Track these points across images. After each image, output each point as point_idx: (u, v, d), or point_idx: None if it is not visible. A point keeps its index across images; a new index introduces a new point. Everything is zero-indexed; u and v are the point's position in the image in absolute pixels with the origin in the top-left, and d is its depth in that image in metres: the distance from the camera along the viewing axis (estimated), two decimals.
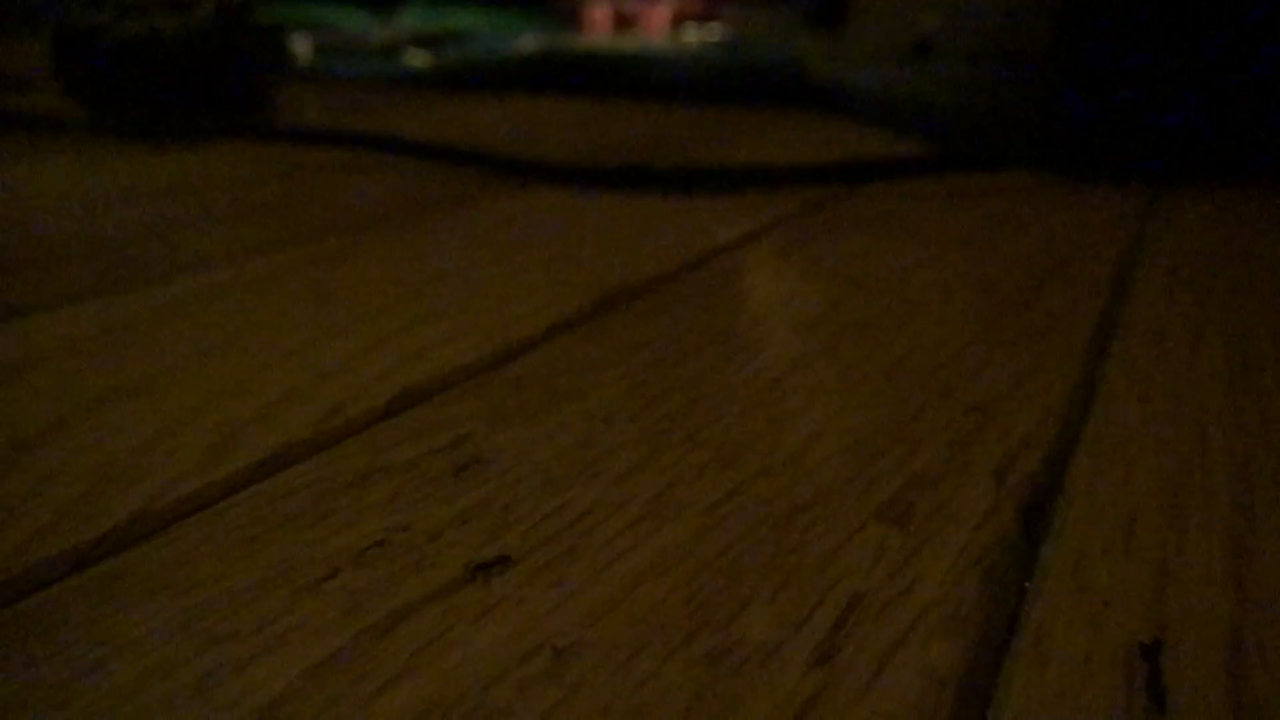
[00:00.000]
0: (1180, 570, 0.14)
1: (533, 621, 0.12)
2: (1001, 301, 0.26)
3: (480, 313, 0.24)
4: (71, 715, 0.11)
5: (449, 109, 0.67)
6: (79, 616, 0.12)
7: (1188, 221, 0.36)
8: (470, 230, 0.33)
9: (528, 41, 0.88)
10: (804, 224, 0.34)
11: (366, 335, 0.23)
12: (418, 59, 0.84)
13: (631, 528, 0.14)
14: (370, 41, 0.93)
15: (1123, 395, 0.20)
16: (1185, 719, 0.11)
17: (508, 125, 0.59)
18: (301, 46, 0.90)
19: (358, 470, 0.16)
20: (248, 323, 0.23)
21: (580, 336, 0.23)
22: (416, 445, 0.17)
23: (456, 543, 0.14)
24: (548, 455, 0.17)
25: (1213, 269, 0.29)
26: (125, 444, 0.17)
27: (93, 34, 0.54)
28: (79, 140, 0.52)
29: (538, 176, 0.41)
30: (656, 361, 0.21)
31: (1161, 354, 0.22)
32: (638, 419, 0.18)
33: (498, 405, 0.19)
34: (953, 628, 0.12)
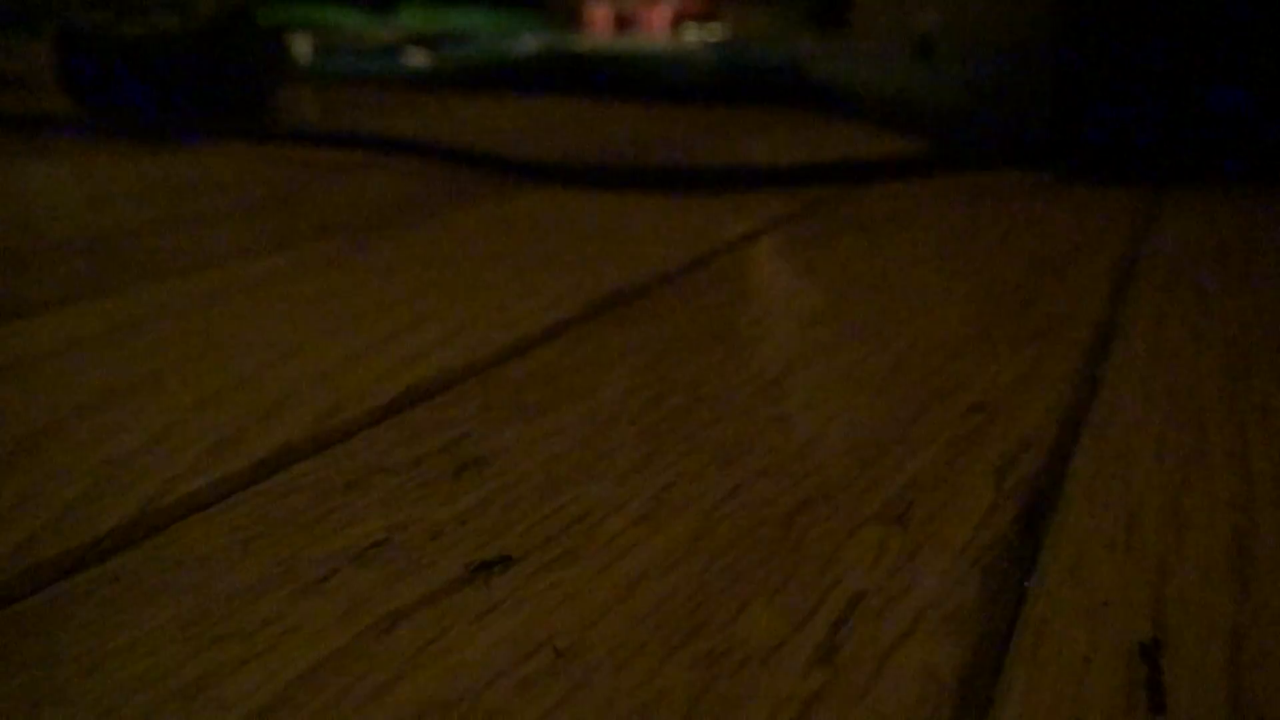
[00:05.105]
0: (1180, 570, 0.14)
1: (533, 621, 0.12)
2: (1001, 301, 0.26)
3: (480, 313, 0.24)
4: (71, 715, 0.11)
5: (449, 109, 0.67)
6: (79, 616, 0.12)
7: (1187, 221, 0.36)
8: (470, 230, 0.33)
9: (528, 41, 0.88)
10: (804, 224, 0.34)
11: (366, 335, 0.23)
12: (418, 59, 0.84)
13: (631, 528, 0.14)
14: (370, 41, 0.93)
15: (1123, 395, 0.20)
16: (1185, 719, 0.11)
17: (508, 125, 0.59)
18: (301, 46, 0.90)
19: (358, 470, 0.16)
20: (248, 323, 0.23)
21: (580, 336, 0.23)
22: (416, 445, 0.17)
23: (456, 543, 0.14)
24: (548, 455, 0.17)
25: (1213, 269, 0.29)
26: (125, 444, 0.17)
27: (93, 34, 0.54)
28: (79, 140, 0.52)
29: (538, 176, 0.41)
30: (656, 361, 0.21)
31: (1161, 354, 0.22)
32: (638, 419, 0.18)
33: (498, 405, 0.19)
34: (953, 628, 0.12)
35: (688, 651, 0.12)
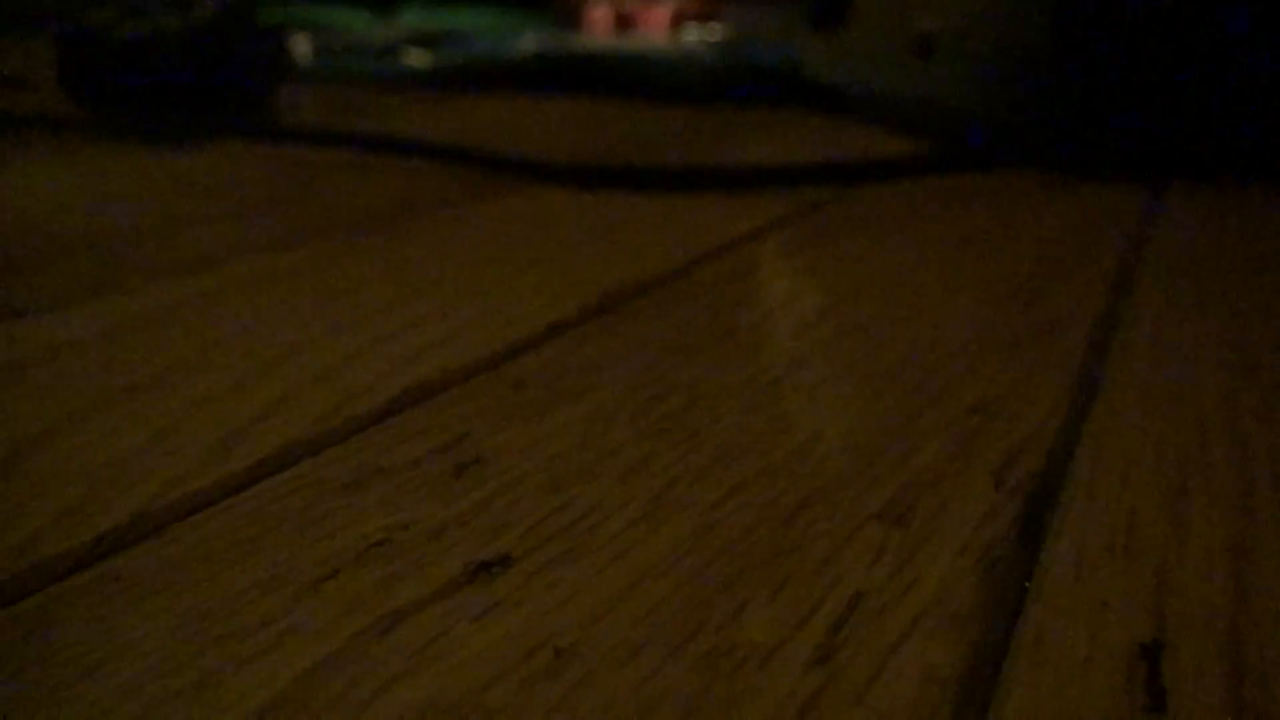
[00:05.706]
0: (1180, 570, 0.14)
1: (533, 621, 0.12)
2: (1001, 301, 0.26)
3: (480, 313, 0.24)
4: (71, 715, 0.11)
5: (449, 109, 0.67)
6: (79, 616, 0.12)
7: (1188, 220, 0.36)
8: (471, 230, 0.33)
9: (528, 41, 0.88)
10: (804, 224, 0.34)
11: (366, 335, 0.23)
12: (418, 59, 0.84)
13: (631, 528, 0.14)
14: (370, 41, 0.93)
15: (1123, 395, 0.20)
16: (1185, 719, 0.11)
17: (508, 125, 0.59)
18: (301, 46, 0.90)
19: (358, 469, 0.16)
20: (248, 323, 0.23)
21: (580, 336, 0.23)
22: (416, 445, 0.17)
23: (456, 543, 0.14)
24: (548, 455, 0.17)
25: (1213, 268, 0.29)
26: (125, 444, 0.17)
27: (94, 34, 0.54)
28: (79, 140, 0.52)
29: (538, 176, 0.41)
30: (656, 361, 0.21)
31: (1161, 354, 0.22)
32: (638, 419, 0.18)
33: (498, 405, 0.19)
34: (953, 628, 0.12)
35: (688, 651, 0.12)
